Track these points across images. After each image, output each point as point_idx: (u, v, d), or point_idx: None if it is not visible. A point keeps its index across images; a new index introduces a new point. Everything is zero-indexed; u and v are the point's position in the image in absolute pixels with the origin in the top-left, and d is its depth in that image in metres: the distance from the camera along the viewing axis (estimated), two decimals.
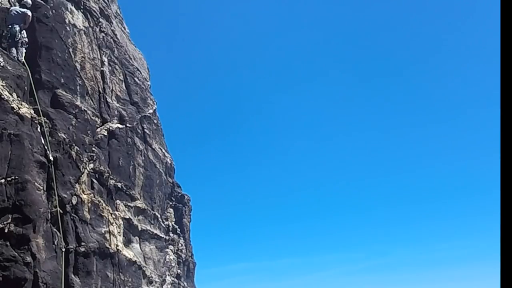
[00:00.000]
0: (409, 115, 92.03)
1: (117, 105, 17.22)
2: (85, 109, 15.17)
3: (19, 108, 12.17)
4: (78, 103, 14.91)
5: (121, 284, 14.62)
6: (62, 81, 14.65)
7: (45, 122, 13.25)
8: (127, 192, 16.44)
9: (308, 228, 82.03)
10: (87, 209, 13.76)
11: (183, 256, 20.77)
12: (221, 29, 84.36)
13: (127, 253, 15.47)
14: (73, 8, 16.19)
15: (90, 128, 15.16)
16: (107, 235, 14.35)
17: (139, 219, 17.00)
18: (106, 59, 17.25)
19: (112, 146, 16.19)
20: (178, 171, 22.42)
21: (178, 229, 20.84)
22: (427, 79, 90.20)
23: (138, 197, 17.22)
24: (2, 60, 12.47)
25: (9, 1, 14.45)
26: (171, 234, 19.79)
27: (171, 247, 19.42)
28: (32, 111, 12.84)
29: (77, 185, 13.70)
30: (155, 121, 19.93)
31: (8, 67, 12.58)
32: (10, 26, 13.60)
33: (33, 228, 11.29)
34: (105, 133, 15.93)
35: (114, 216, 15.09)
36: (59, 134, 13.51)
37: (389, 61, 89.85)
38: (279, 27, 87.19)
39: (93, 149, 14.97)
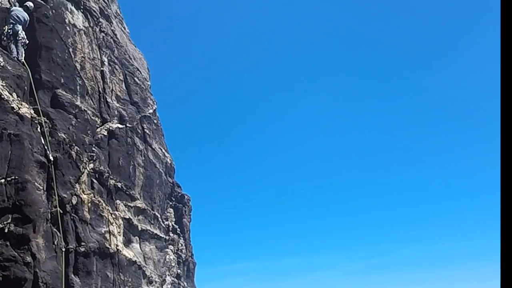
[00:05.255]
0: (410, 116, 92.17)
1: (117, 105, 17.22)
2: (85, 109, 15.17)
3: (19, 108, 12.17)
4: (78, 103, 14.91)
5: (121, 284, 14.62)
6: (62, 81, 14.64)
7: (45, 122, 13.24)
8: (127, 192, 16.44)
9: (309, 228, 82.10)
10: (87, 209, 13.76)
11: (183, 256, 20.77)
12: (221, 29, 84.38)
13: (127, 253, 15.46)
14: (73, 8, 16.19)
15: (90, 128, 15.16)
16: (107, 235, 14.35)
17: (139, 219, 17.00)
18: (106, 59, 17.25)
19: (112, 146, 16.18)
20: (178, 171, 22.46)
21: (178, 229, 20.84)
22: (426, 80, 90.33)
23: (138, 197, 17.21)
24: (2, 60, 12.47)
25: (9, 1, 14.45)
26: (171, 234, 19.79)
27: (171, 247, 19.42)
28: (32, 111, 12.84)
29: (77, 185, 13.70)
30: (155, 121, 19.92)
31: (8, 67, 12.58)
32: (11, 25, 13.59)
33: (33, 228, 11.29)
34: (105, 133, 15.93)
35: (114, 216, 15.09)
36: (59, 134, 13.51)
37: (389, 63, 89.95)
38: (281, 26, 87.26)
39: (93, 149, 14.97)
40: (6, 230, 10.83)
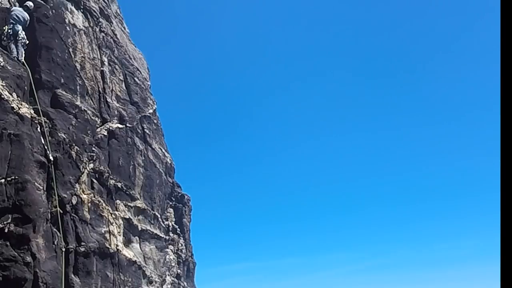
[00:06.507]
0: (410, 115, 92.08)
1: (117, 105, 17.22)
2: (85, 109, 15.17)
3: (19, 108, 12.18)
4: (78, 103, 14.91)
5: (121, 284, 14.62)
6: (62, 81, 14.65)
7: (45, 122, 13.25)
8: (127, 192, 16.45)
9: (309, 228, 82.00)
10: (87, 209, 13.76)
11: (183, 256, 20.78)
12: (221, 29, 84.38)
13: (127, 253, 15.47)
14: (73, 8, 16.19)
15: (90, 128, 15.16)
16: (107, 235, 14.35)
17: (139, 219, 17.00)
18: (106, 59, 17.25)
19: (112, 146, 16.19)
20: (178, 171, 22.45)
21: (178, 229, 20.84)
22: (426, 79, 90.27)
23: (138, 197, 17.22)
24: (2, 60, 12.47)
25: (9, 1, 14.46)
26: (171, 234, 19.79)
27: (171, 247, 19.42)
28: (32, 111, 12.85)
29: (77, 185, 13.70)
30: (155, 121, 19.93)
31: (8, 67, 12.58)
32: (11, 25, 13.60)
33: (33, 228, 11.29)
34: (105, 133, 15.93)
35: (114, 216, 15.09)
36: (59, 134, 13.51)
37: (387, 61, 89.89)
38: (279, 25, 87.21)
39: (93, 149, 14.97)
40: (6, 230, 10.84)
